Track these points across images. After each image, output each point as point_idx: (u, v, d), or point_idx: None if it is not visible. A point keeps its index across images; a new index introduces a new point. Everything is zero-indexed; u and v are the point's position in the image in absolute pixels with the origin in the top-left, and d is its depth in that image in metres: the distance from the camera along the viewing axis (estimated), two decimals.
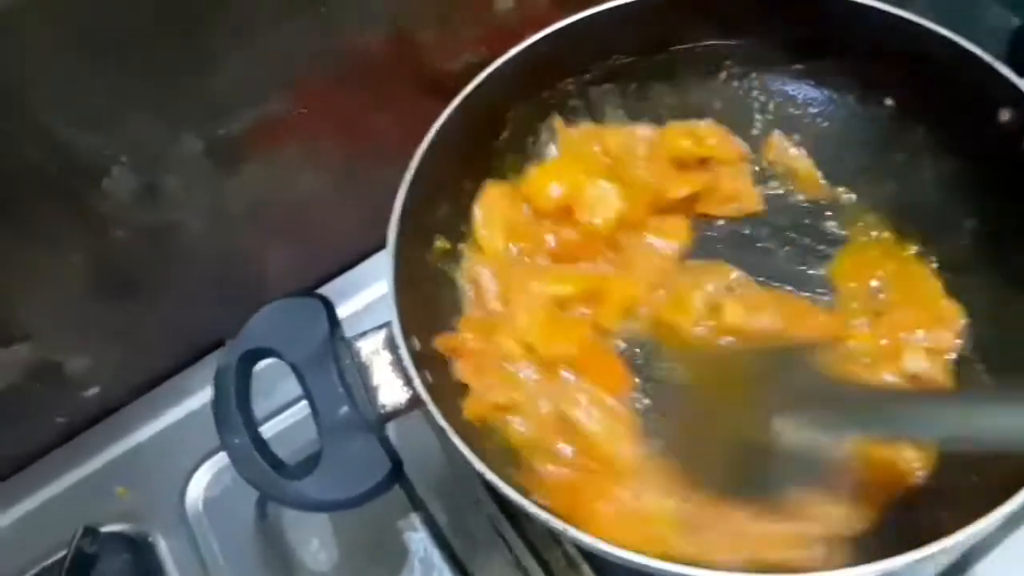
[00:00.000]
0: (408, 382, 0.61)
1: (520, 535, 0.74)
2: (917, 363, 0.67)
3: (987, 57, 0.68)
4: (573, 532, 0.54)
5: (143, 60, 0.66)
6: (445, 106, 0.73)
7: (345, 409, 0.60)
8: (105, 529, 0.78)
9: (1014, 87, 0.67)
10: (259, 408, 0.79)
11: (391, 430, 0.77)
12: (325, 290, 0.90)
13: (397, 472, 0.61)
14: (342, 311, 0.84)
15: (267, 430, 0.80)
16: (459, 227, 0.77)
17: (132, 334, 0.84)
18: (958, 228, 0.73)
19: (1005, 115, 0.68)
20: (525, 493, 0.57)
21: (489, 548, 0.74)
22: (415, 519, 0.76)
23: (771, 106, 0.83)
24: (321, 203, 0.87)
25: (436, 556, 0.74)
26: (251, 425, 0.60)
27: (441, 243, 0.75)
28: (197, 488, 0.81)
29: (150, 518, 0.80)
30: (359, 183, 0.85)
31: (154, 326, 0.84)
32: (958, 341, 0.69)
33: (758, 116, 0.83)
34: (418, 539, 0.75)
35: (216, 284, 0.84)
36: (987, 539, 0.70)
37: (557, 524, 0.54)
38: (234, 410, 0.60)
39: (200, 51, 0.69)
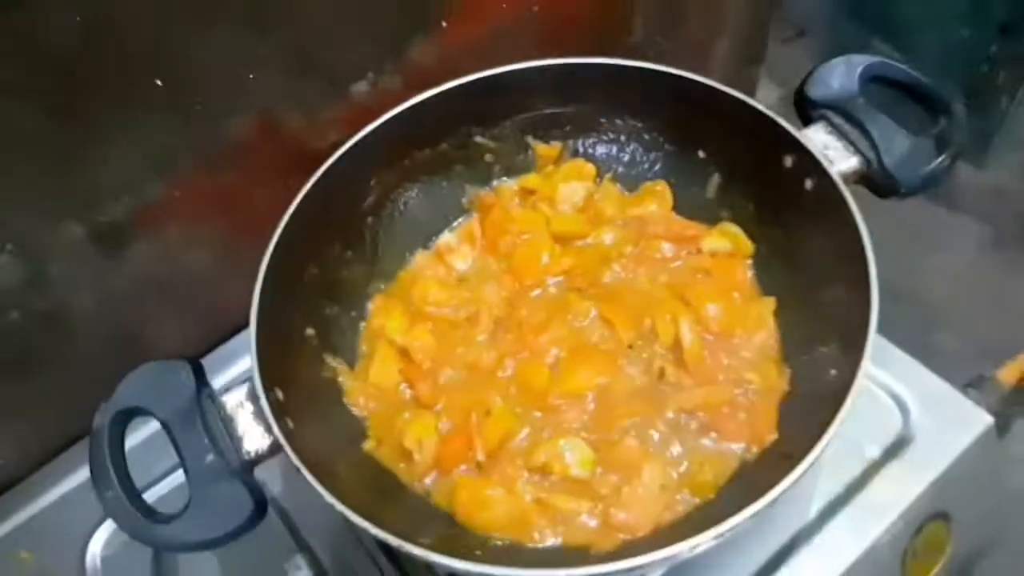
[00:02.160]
0: (269, 429, 0.68)
1: (395, 566, 0.80)
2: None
3: (770, 113, 0.79)
4: (409, 547, 0.61)
5: (23, 155, 0.73)
6: None
7: (211, 457, 0.67)
8: None
9: (793, 137, 0.78)
10: (155, 470, 0.86)
11: (276, 477, 0.84)
12: (212, 356, 0.97)
13: (260, 512, 0.66)
14: (228, 375, 0.93)
15: (160, 489, 0.87)
16: (329, 306, 0.85)
17: (31, 410, 0.89)
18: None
19: (789, 161, 0.79)
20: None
21: None
22: (299, 559, 0.82)
23: (607, 160, 0.94)
24: (207, 277, 0.94)
25: None
26: (124, 479, 0.66)
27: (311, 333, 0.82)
28: (96, 547, 0.86)
29: None
30: (240, 257, 0.92)
31: (51, 401, 0.89)
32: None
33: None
34: None
35: (108, 357, 0.88)
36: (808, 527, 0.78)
37: (393, 541, 0.61)
38: (108, 466, 0.66)
39: (77, 144, 0.76)
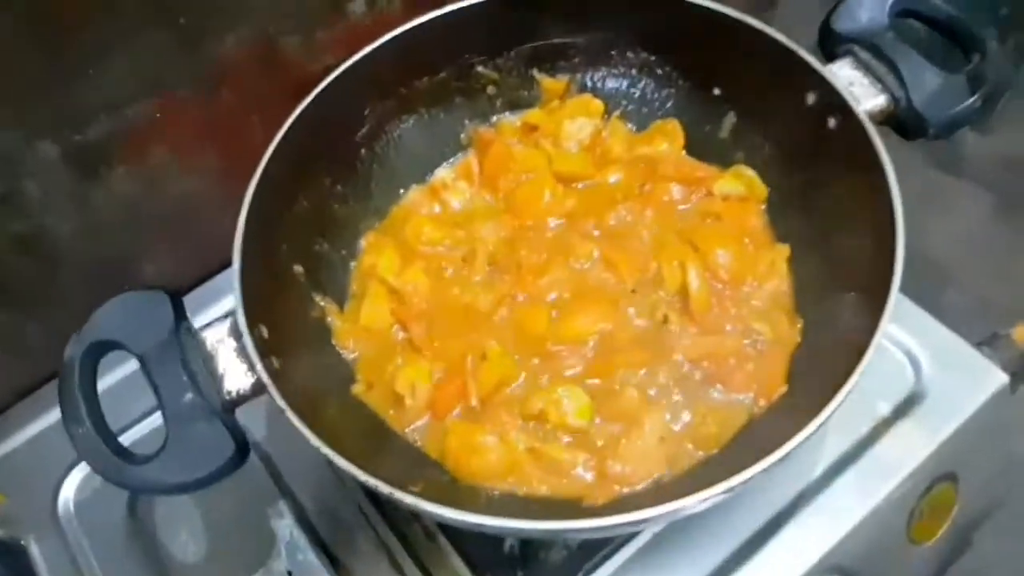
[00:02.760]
0: (252, 367, 0.64)
1: (381, 513, 0.77)
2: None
3: (793, 45, 0.74)
4: (400, 495, 0.57)
5: None
6: None
7: (189, 396, 0.62)
8: None
9: (817, 73, 0.73)
10: (132, 411, 0.82)
11: (260, 420, 0.80)
12: (200, 290, 0.92)
13: (242, 454, 0.63)
14: (214, 312, 0.87)
15: (137, 431, 0.83)
16: (319, 242, 0.80)
17: (5, 341, 0.85)
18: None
19: (811, 98, 0.74)
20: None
21: (353, 528, 0.77)
22: (282, 505, 0.78)
23: (617, 96, 0.89)
24: (194, 207, 0.89)
25: (302, 540, 0.76)
26: (96, 416, 0.62)
27: (298, 268, 0.77)
28: (69, 490, 0.82)
29: (23, 522, 0.81)
30: (229, 186, 0.87)
31: (25, 333, 0.85)
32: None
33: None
34: (284, 525, 0.77)
35: (89, 288, 0.83)
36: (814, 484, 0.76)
37: (383, 488, 0.57)
38: (78, 400, 0.61)
39: (57, 59, 0.71)
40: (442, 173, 0.89)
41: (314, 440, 0.60)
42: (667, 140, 0.85)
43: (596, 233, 0.81)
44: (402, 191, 0.88)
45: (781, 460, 0.57)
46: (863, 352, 0.60)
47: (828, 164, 0.74)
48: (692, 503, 0.56)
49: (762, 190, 0.80)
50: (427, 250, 0.82)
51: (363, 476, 0.59)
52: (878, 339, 0.59)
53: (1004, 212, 1.59)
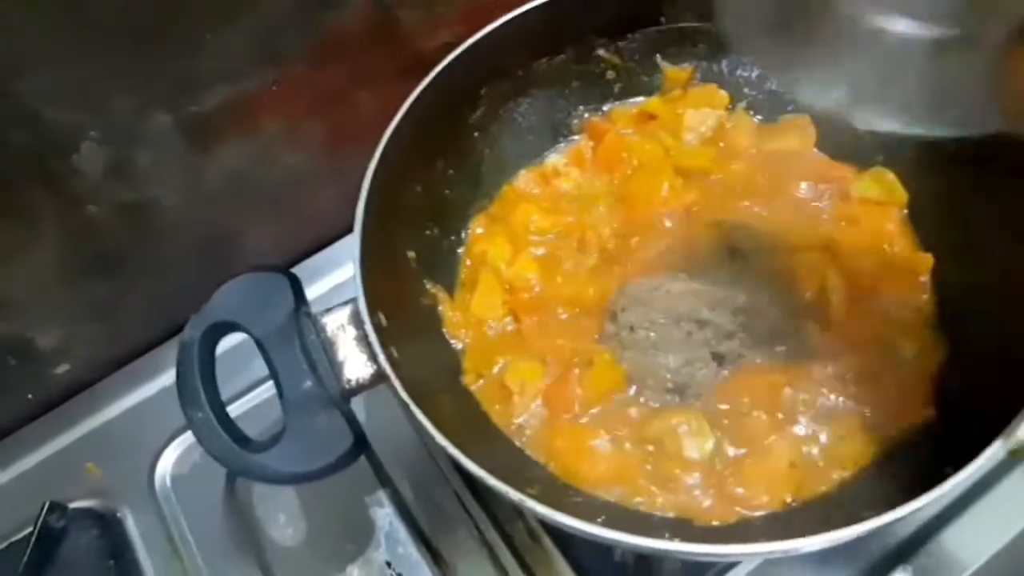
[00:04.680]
0: (373, 357, 0.61)
1: (484, 509, 0.74)
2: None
3: None
4: (531, 503, 0.54)
5: (114, 34, 0.66)
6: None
7: (309, 384, 0.60)
8: (74, 505, 0.78)
9: None
10: (231, 386, 0.81)
11: (359, 406, 0.78)
12: (302, 267, 0.91)
13: (360, 446, 0.61)
14: (317, 288, 0.86)
15: (238, 407, 0.81)
16: (430, 227, 0.78)
17: (106, 311, 0.84)
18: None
19: None
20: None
21: (454, 522, 0.75)
22: (382, 495, 0.77)
23: (746, 87, 0.84)
24: (301, 181, 0.87)
25: (402, 531, 0.75)
26: (214, 399, 0.60)
27: (412, 255, 0.75)
28: (166, 465, 0.81)
29: (119, 494, 0.80)
30: (339, 161, 0.85)
31: (128, 303, 0.84)
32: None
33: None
34: (384, 514, 0.76)
35: (192, 260, 0.84)
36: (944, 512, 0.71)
37: (513, 494, 0.55)
38: (197, 384, 0.60)
39: (172, 27, 0.69)
40: (554, 158, 0.85)
41: (440, 439, 0.57)
42: (798, 136, 0.80)
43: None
44: (512, 174, 0.84)
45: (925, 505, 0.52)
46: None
47: (984, 171, 0.68)
48: (815, 544, 0.52)
49: (903, 195, 0.75)
50: (536, 238, 0.79)
51: (491, 480, 0.56)
52: None
53: None
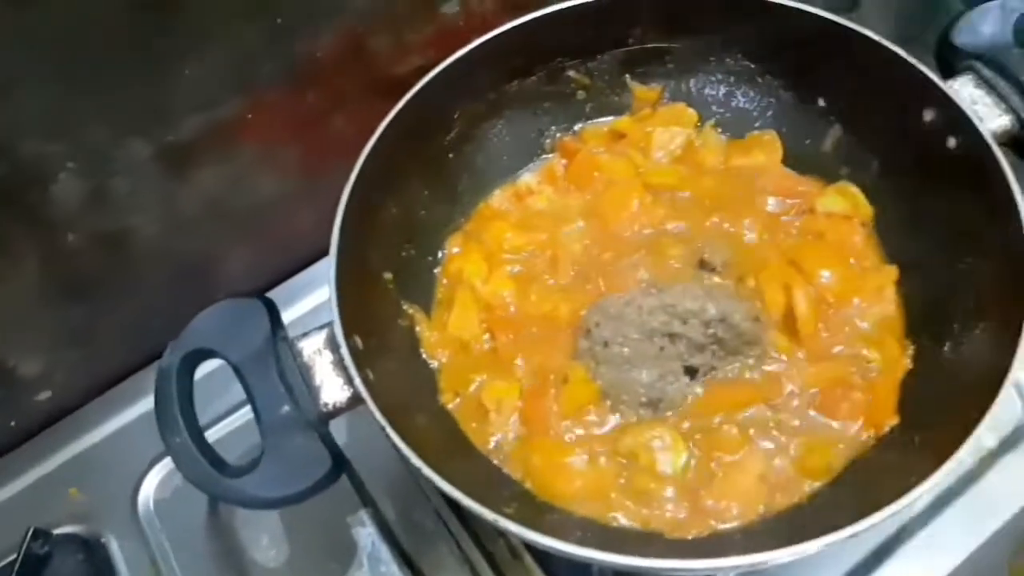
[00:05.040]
0: (349, 381, 0.62)
1: (465, 527, 0.75)
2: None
3: (912, 60, 0.71)
4: (504, 522, 0.56)
5: (91, 65, 0.67)
6: None
7: (286, 408, 0.61)
8: (58, 531, 0.79)
9: (938, 89, 0.69)
10: (209, 411, 0.82)
11: (341, 427, 0.79)
12: (281, 289, 0.91)
13: (338, 469, 0.62)
14: (295, 311, 0.87)
15: (216, 432, 0.82)
16: (407, 248, 0.79)
17: (86, 338, 0.85)
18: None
19: (929, 115, 0.71)
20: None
21: (436, 540, 0.76)
22: (364, 515, 0.78)
23: (713, 105, 0.86)
24: (278, 205, 0.88)
25: (384, 550, 0.76)
26: (192, 424, 0.61)
27: (388, 277, 0.76)
28: (149, 489, 0.82)
29: (102, 519, 0.81)
30: (315, 185, 0.86)
31: (108, 329, 0.85)
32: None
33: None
34: (366, 534, 0.77)
35: (171, 286, 0.85)
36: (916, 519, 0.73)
37: (489, 514, 0.56)
38: (175, 410, 0.61)
39: (149, 58, 0.70)
40: (526, 177, 0.86)
41: (416, 460, 0.58)
42: (765, 152, 0.82)
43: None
44: (487, 193, 0.86)
45: (893, 514, 0.54)
46: (991, 388, 0.57)
47: (945, 184, 0.70)
48: (787, 555, 0.54)
49: (867, 209, 0.77)
50: (511, 256, 0.81)
51: (468, 501, 0.57)
52: (1011, 377, 0.56)
53: None
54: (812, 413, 0.68)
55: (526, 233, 0.81)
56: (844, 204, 0.77)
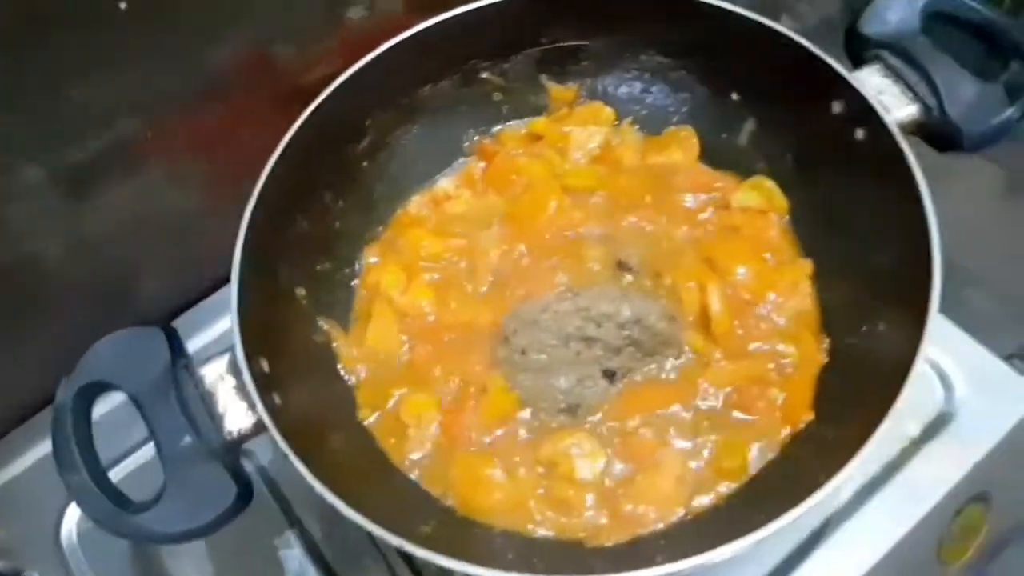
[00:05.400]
0: (253, 406, 0.61)
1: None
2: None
3: (818, 51, 0.70)
4: (410, 547, 0.55)
5: None
6: None
7: (188, 439, 0.60)
8: None
9: (844, 80, 0.69)
10: (117, 446, 0.79)
11: (266, 446, 0.77)
12: (193, 312, 0.89)
13: (244, 498, 0.60)
14: (209, 334, 0.85)
15: (126, 467, 0.80)
16: (321, 262, 0.78)
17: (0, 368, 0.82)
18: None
19: (837, 107, 0.70)
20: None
21: (364, 559, 0.74)
22: (290, 535, 0.76)
23: (629, 102, 0.85)
24: (187, 225, 0.85)
25: (311, 571, 0.74)
26: (92, 461, 0.59)
27: (301, 293, 0.75)
28: (71, 521, 0.79)
29: (25, 553, 0.78)
30: (224, 201, 0.83)
31: (21, 360, 0.82)
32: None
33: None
34: (293, 556, 0.75)
35: (83, 313, 0.81)
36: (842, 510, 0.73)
37: (393, 539, 0.55)
38: (72, 447, 0.59)
39: (40, 77, 0.67)
40: (443, 183, 0.85)
41: (319, 487, 0.57)
42: (681, 148, 0.81)
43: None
44: (404, 200, 0.84)
45: (808, 509, 0.54)
46: (899, 380, 0.57)
47: (855, 176, 0.70)
48: (708, 560, 0.53)
49: (782, 202, 0.76)
50: (429, 264, 0.79)
51: (371, 526, 0.56)
52: (916, 371, 0.56)
53: (1010, 191, 1.54)
54: (729, 412, 0.68)
55: (444, 239, 0.80)
56: (759, 198, 0.76)
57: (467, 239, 0.80)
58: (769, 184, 0.76)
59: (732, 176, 0.79)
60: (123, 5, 0.66)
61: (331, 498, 0.57)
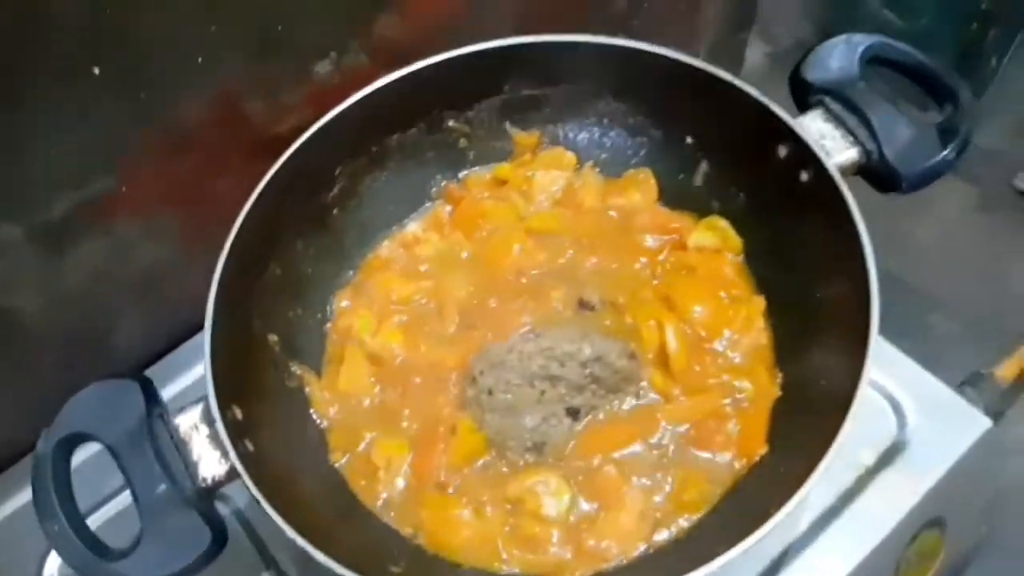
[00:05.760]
0: (226, 453, 0.63)
1: None
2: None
3: (763, 98, 0.74)
4: None
5: None
6: None
7: (163, 487, 0.62)
8: None
9: (787, 126, 0.72)
10: (96, 494, 0.81)
11: (239, 488, 0.79)
12: (172, 359, 0.91)
13: (220, 543, 0.62)
14: (183, 381, 0.87)
15: (103, 514, 0.82)
16: (294, 308, 0.80)
17: None
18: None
19: (783, 151, 0.73)
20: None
21: None
22: None
23: (590, 146, 0.88)
24: (162, 274, 0.87)
25: None
26: (71, 510, 0.61)
27: (273, 339, 0.77)
28: (52, 568, 0.81)
29: None
30: (198, 251, 0.85)
31: (2, 408, 0.84)
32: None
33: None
34: None
35: (62, 363, 0.84)
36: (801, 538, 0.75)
37: None
38: (52, 497, 0.61)
39: (13, 133, 0.69)
40: (412, 227, 0.88)
41: (291, 532, 0.59)
42: (639, 191, 0.84)
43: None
44: (375, 245, 0.87)
45: (759, 540, 0.56)
46: (843, 411, 0.60)
47: (801, 216, 0.73)
48: None
49: (736, 242, 0.79)
50: (398, 307, 0.82)
51: (341, 570, 0.58)
52: (857, 404, 0.59)
53: (982, 208, 1.58)
54: (687, 447, 0.70)
55: (412, 282, 0.82)
56: (713, 238, 0.79)
57: (434, 280, 0.82)
58: (723, 224, 0.79)
59: (689, 216, 0.82)
60: (96, 70, 0.69)
61: (302, 543, 0.59)
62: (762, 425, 0.70)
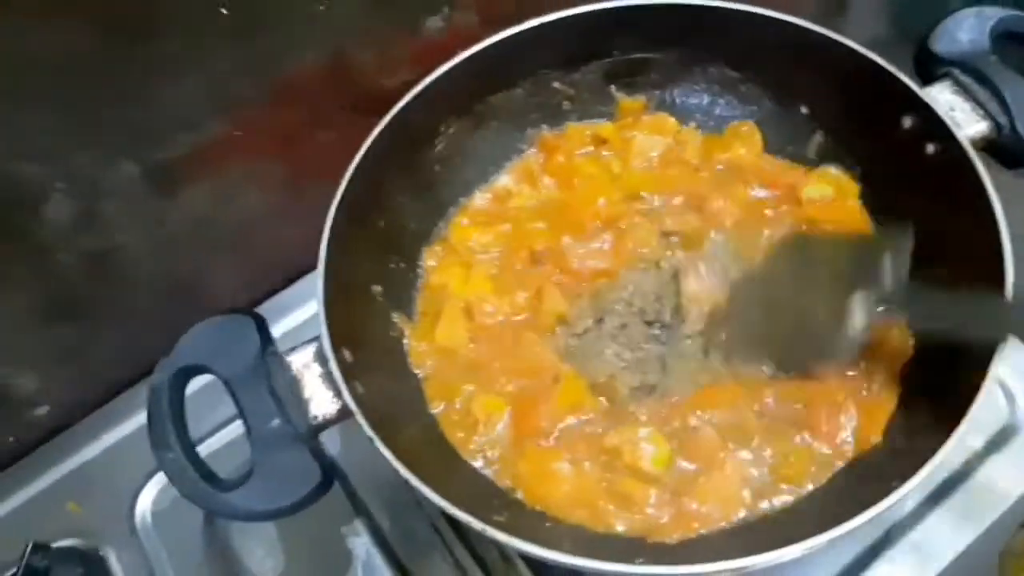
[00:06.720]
0: (338, 393, 0.63)
1: (459, 536, 0.76)
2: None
3: (890, 67, 0.72)
4: (492, 532, 0.57)
5: (78, 89, 0.68)
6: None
7: (276, 422, 0.62)
8: (56, 544, 0.80)
9: (916, 95, 0.70)
10: (202, 425, 0.83)
11: (334, 437, 0.80)
12: (270, 303, 0.92)
13: (328, 481, 0.63)
14: (285, 325, 0.88)
15: (209, 446, 0.83)
16: (395, 260, 0.80)
17: (80, 354, 0.86)
18: None
19: (907, 122, 0.71)
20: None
21: (429, 549, 0.77)
22: (358, 524, 0.79)
23: (697, 113, 0.87)
24: (264, 221, 0.89)
25: (378, 559, 0.77)
26: (184, 440, 0.62)
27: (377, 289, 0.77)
28: (146, 502, 0.83)
29: (100, 533, 0.82)
30: (301, 200, 0.86)
31: (101, 346, 0.86)
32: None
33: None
34: (360, 543, 0.77)
35: (161, 302, 0.86)
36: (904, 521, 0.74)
37: (476, 524, 0.57)
38: (168, 427, 0.62)
39: (135, 80, 0.71)
40: (504, 178, 0.87)
41: (405, 472, 0.60)
42: (744, 144, 0.82)
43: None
44: (468, 198, 0.86)
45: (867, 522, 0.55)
46: (967, 401, 0.58)
47: (925, 191, 0.71)
48: (769, 560, 0.55)
49: (852, 186, 0.77)
50: (483, 256, 0.82)
51: (455, 511, 0.58)
52: (983, 395, 0.57)
53: None
54: (794, 424, 0.68)
55: (493, 228, 0.82)
56: (827, 188, 0.77)
57: (518, 228, 0.82)
58: (834, 171, 0.78)
59: (800, 168, 0.81)
60: (224, 10, 0.70)
61: (416, 481, 0.59)
62: (882, 418, 0.68)
